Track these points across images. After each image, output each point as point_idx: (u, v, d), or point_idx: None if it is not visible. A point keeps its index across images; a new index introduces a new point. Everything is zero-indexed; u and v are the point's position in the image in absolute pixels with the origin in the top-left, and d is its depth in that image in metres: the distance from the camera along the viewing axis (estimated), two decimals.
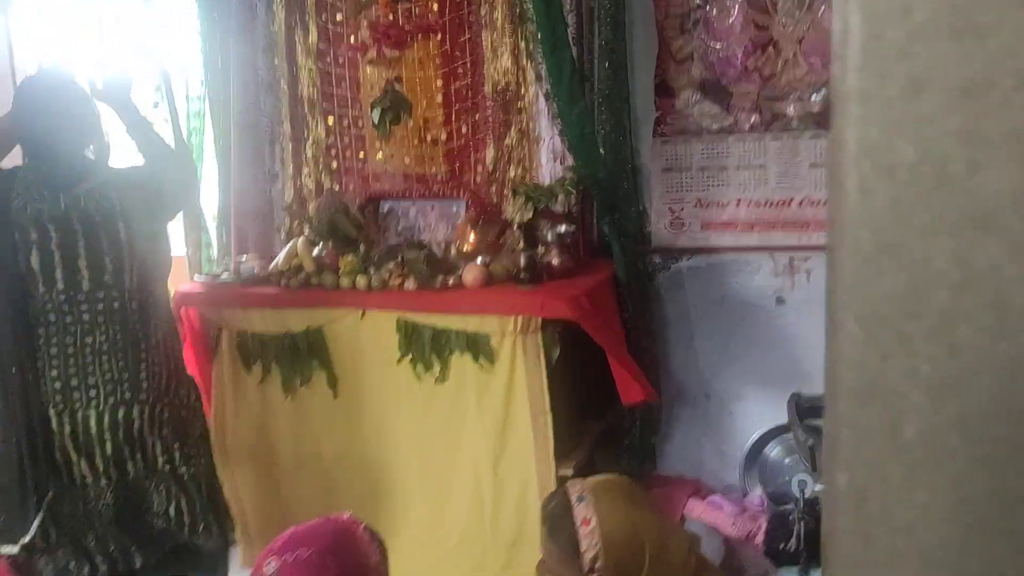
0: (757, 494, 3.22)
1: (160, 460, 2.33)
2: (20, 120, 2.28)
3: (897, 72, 0.47)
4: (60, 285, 2.21)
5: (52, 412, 2.22)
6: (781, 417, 3.15)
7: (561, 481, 2.71)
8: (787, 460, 3.21)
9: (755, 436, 3.23)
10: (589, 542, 1.78)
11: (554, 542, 1.87)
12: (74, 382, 2.22)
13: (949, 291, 0.48)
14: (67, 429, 2.23)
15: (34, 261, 2.20)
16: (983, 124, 0.46)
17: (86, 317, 2.22)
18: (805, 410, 1.31)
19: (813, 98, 3.00)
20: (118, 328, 2.24)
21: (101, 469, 2.26)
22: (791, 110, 3.02)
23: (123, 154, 2.71)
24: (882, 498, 0.49)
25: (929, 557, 0.48)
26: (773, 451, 3.23)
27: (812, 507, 2.63)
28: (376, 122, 3.07)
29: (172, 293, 2.73)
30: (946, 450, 0.49)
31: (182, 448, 2.38)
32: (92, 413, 2.23)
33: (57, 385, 2.22)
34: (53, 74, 2.40)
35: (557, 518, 1.86)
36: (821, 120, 2.97)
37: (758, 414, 3.25)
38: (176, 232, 3.69)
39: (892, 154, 0.48)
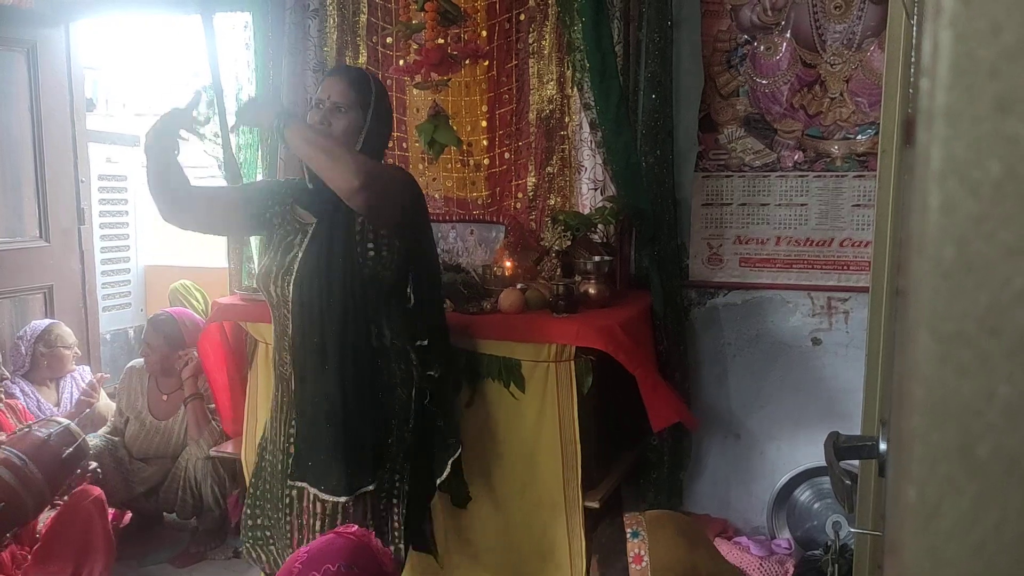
0: (785, 538, 3.17)
1: None
2: None
3: (986, 91, 0.48)
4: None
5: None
6: (812, 460, 3.12)
7: (587, 513, 2.69)
8: (817, 505, 3.16)
9: (785, 478, 3.19)
10: None
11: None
12: None
13: None
14: None
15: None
16: None
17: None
18: (843, 450, 1.29)
19: (859, 137, 2.99)
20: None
21: None
22: (836, 149, 3.01)
23: None
24: (954, 515, 0.49)
25: None
26: (803, 495, 3.19)
27: (844, 552, 2.58)
28: (428, 145, 3.09)
29: (211, 304, 2.70)
30: (1022, 470, 0.48)
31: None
32: None
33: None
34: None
35: (609, 552, 1.78)
36: (866, 161, 2.96)
37: (789, 456, 3.21)
38: (218, 246, 3.74)
39: (978, 171, 0.49)
